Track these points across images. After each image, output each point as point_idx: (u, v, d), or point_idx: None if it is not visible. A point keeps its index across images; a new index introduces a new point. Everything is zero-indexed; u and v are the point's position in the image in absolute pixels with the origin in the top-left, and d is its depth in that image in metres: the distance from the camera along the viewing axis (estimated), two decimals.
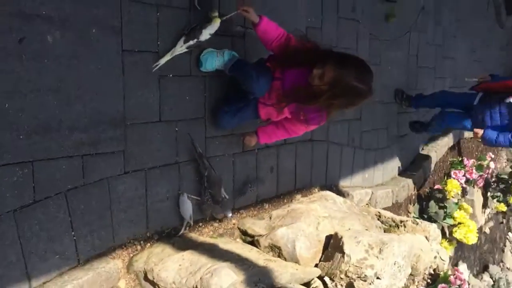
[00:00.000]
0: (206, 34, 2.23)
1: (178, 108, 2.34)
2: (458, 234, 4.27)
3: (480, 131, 3.56)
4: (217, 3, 2.40)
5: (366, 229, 2.91)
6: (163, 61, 2.20)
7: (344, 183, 3.70)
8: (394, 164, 4.42)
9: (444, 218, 4.30)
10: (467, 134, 5.68)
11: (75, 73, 1.90)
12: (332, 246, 2.64)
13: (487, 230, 6.51)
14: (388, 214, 3.52)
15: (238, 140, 2.68)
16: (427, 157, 4.76)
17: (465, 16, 5.54)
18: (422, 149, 4.97)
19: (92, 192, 2.02)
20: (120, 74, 2.07)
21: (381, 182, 4.19)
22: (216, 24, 2.24)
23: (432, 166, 4.81)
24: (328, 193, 3.22)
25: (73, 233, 1.96)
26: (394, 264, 2.56)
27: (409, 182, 4.32)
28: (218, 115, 2.46)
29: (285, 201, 3.11)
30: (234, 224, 2.73)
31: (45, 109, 1.82)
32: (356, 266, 2.49)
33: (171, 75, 2.28)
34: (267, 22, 2.26)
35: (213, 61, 2.37)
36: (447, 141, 5.16)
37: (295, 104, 2.26)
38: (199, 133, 2.46)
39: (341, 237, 2.57)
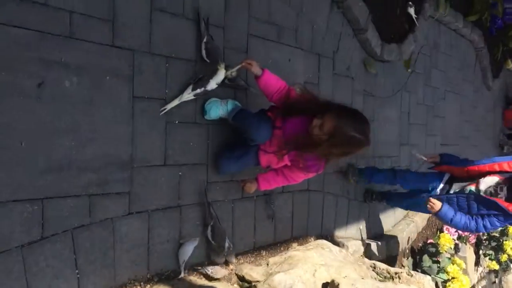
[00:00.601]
0: (212, 84, 2.37)
1: (182, 153, 2.44)
2: None
3: (437, 204, 3.16)
4: (222, 56, 2.56)
5: (362, 278, 2.94)
6: (170, 106, 2.33)
7: (339, 233, 3.75)
8: (388, 217, 4.49)
9: (438, 273, 4.31)
10: None
11: (88, 117, 2.01)
12: None
13: None
14: (383, 265, 3.54)
15: (238, 186, 2.76)
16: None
17: (453, 79, 5.80)
18: None
19: (97, 231, 2.07)
20: (129, 119, 2.18)
21: (376, 234, 4.24)
22: (221, 75, 2.39)
23: (425, 221, 4.88)
24: (324, 242, 3.26)
25: (77, 271, 1.99)
26: None
27: (403, 236, 4.37)
28: (220, 161, 2.56)
29: (282, 248, 3.15)
30: (231, 269, 2.76)
31: (58, 149, 1.91)
32: None
33: (177, 122, 2.40)
34: (269, 75, 2.41)
35: (217, 110, 2.50)
36: None
37: (295, 152, 2.37)
38: (201, 177, 2.54)
39: (338, 284, 2.60)
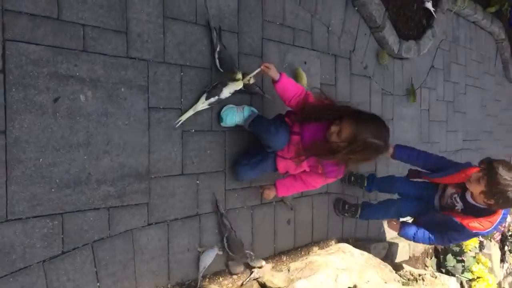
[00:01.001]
0: (226, 93, 2.35)
1: (200, 162, 2.43)
2: None
3: (396, 225, 3.08)
4: (237, 64, 2.54)
5: (385, 282, 2.90)
6: (185, 117, 2.32)
7: (360, 236, 3.70)
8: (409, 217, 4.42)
9: (463, 272, 4.23)
10: None
11: (104, 130, 2.01)
12: None
13: (507, 286, 6.34)
14: (406, 267, 3.50)
15: (256, 192, 2.74)
16: None
17: (474, 72, 5.68)
18: None
19: (117, 243, 2.08)
20: (145, 130, 2.18)
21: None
22: (238, 85, 2.38)
23: None
24: (345, 245, 3.22)
25: (98, 284, 2.00)
26: None
27: None
28: (238, 168, 2.54)
29: (302, 253, 3.12)
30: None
31: (76, 163, 1.92)
32: None
33: (193, 130, 2.39)
34: (287, 80, 2.38)
35: (233, 117, 2.48)
36: None
37: (313, 158, 2.33)
38: (219, 185, 2.53)
39: None
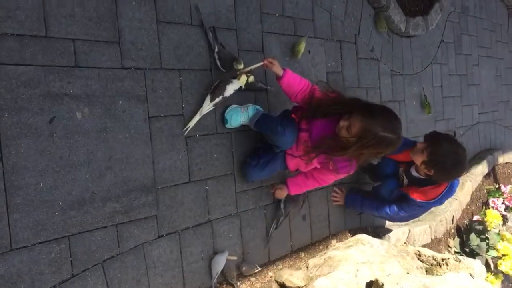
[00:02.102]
0: (230, 90, 2.28)
1: (207, 167, 2.36)
2: (504, 267, 4.08)
3: (340, 195, 3.20)
4: (238, 58, 2.44)
5: (407, 272, 2.82)
6: (193, 123, 2.25)
7: (379, 223, 3.62)
8: None
9: (487, 251, 4.13)
10: (502, 160, 5.53)
11: (105, 145, 1.95)
12: None
13: None
14: (428, 252, 3.40)
15: (268, 191, 2.68)
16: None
17: (486, 42, 5.49)
18: None
19: (128, 259, 2.03)
20: (147, 140, 2.11)
21: (418, 218, 4.08)
22: (242, 81, 2.30)
23: (469, 197, 4.67)
24: (364, 236, 3.14)
25: None
26: None
27: (447, 215, 4.19)
28: (247, 169, 2.47)
29: (320, 247, 3.06)
30: (271, 277, 2.69)
31: (78, 183, 1.86)
32: None
33: (197, 135, 2.32)
34: (291, 75, 2.29)
35: (238, 118, 2.40)
36: (481, 169, 5.01)
37: (323, 155, 2.25)
38: (229, 189, 2.47)
39: (382, 284, 2.49)
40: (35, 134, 1.75)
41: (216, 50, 2.30)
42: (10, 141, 1.68)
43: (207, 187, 2.36)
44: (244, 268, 2.51)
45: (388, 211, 3.07)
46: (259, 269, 2.57)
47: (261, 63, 2.31)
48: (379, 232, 3.48)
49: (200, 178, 2.33)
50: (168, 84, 2.20)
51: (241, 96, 2.48)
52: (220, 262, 2.37)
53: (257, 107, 2.49)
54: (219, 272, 2.36)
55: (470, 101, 5.07)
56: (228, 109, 2.42)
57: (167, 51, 2.19)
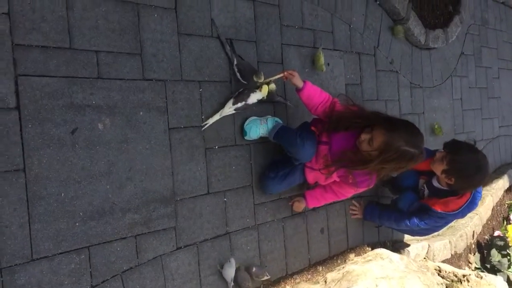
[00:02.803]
0: (253, 99, 2.29)
1: (225, 179, 2.36)
2: None
3: (359, 208, 3.15)
4: (258, 71, 2.44)
5: None
6: (211, 120, 2.27)
7: (398, 238, 3.57)
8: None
9: (509, 267, 4.04)
10: None
11: (125, 156, 1.96)
12: None
13: None
14: (448, 268, 3.34)
15: (286, 203, 2.66)
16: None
17: (506, 55, 5.42)
18: None
19: (147, 271, 2.02)
20: (167, 151, 2.11)
21: (438, 232, 4.02)
22: (264, 92, 2.30)
23: (489, 212, 4.59)
24: (383, 250, 3.09)
25: None
26: None
27: (467, 230, 4.12)
28: (265, 182, 2.45)
29: (338, 261, 3.02)
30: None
31: (98, 194, 1.87)
32: None
33: (216, 147, 2.31)
34: (311, 87, 2.28)
35: (257, 130, 2.39)
36: (502, 183, 4.93)
37: (343, 168, 2.23)
38: (247, 201, 2.46)
39: None
40: (57, 145, 1.76)
41: (235, 62, 2.30)
42: (33, 152, 1.70)
43: (225, 199, 2.35)
44: (254, 269, 2.44)
45: (408, 223, 2.99)
46: (269, 276, 2.52)
47: (281, 75, 2.31)
48: (398, 247, 3.43)
49: (219, 190, 2.33)
50: (188, 96, 2.20)
51: (260, 108, 2.48)
52: (231, 269, 2.32)
53: (276, 119, 2.48)
54: (232, 278, 2.32)
55: (491, 114, 5.01)
56: (247, 121, 2.42)
57: (187, 63, 2.20)
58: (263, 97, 2.34)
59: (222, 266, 2.33)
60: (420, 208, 2.98)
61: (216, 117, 2.28)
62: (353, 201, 3.12)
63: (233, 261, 2.35)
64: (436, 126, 3.89)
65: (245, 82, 2.32)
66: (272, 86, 2.41)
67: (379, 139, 2.03)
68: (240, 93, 2.30)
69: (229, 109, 2.29)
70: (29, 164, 1.69)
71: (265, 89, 2.31)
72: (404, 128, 2.06)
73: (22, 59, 1.68)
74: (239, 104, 2.28)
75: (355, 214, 3.14)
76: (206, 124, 2.25)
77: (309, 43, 2.83)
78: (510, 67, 5.51)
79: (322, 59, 2.80)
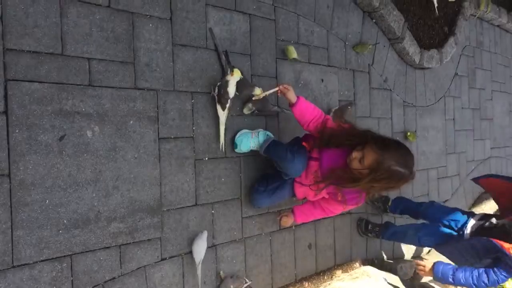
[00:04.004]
0: (231, 90, 2.24)
1: (214, 190, 2.34)
2: None
3: (427, 266, 2.70)
4: (253, 84, 2.45)
5: None
6: (222, 138, 2.32)
7: (386, 254, 3.56)
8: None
9: None
10: None
11: (113, 165, 1.95)
12: None
13: None
14: (437, 286, 3.34)
15: (274, 218, 2.65)
16: None
17: (500, 77, 5.47)
18: None
19: (130, 281, 2.00)
20: (156, 161, 2.10)
21: (429, 249, 4.02)
22: (237, 74, 2.25)
23: None
24: (370, 268, 3.09)
25: None
26: None
27: None
28: (254, 195, 2.44)
29: (325, 277, 3.00)
30: None
31: (84, 202, 1.85)
32: None
33: (206, 158, 2.31)
34: (304, 102, 2.28)
35: (248, 143, 2.39)
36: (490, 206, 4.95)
37: (333, 185, 2.22)
38: (235, 213, 2.44)
39: None
40: (44, 151, 1.74)
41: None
42: (19, 157, 1.68)
43: (213, 211, 2.34)
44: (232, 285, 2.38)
45: (487, 281, 2.49)
46: (249, 282, 2.47)
47: (276, 89, 2.31)
48: (386, 265, 3.43)
49: (207, 201, 2.31)
50: (180, 106, 2.20)
51: (252, 121, 2.48)
52: (202, 246, 2.21)
53: (268, 133, 2.48)
54: (202, 258, 2.21)
55: (483, 136, 5.03)
56: (239, 134, 2.42)
57: (180, 73, 2.20)
58: (240, 78, 2.26)
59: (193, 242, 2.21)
60: (495, 255, 2.52)
61: (222, 130, 2.31)
62: (419, 261, 2.81)
63: (205, 235, 2.23)
64: (408, 133, 3.80)
65: (238, 94, 2.31)
66: (238, 72, 2.29)
67: (370, 157, 2.03)
68: (219, 96, 2.26)
69: (224, 114, 2.28)
70: (14, 169, 1.67)
71: (236, 72, 2.24)
72: (395, 148, 2.07)
73: (12, 64, 1.67)
74: (227, 104, 2.25)
75: (422, 273, 2.79)
76: (222, 144, 2.32)
77: (304, 59, 2.84)
78: (503, 89, 5.55)
79: (294, 53, 2.70)
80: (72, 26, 1.82)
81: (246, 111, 2.44)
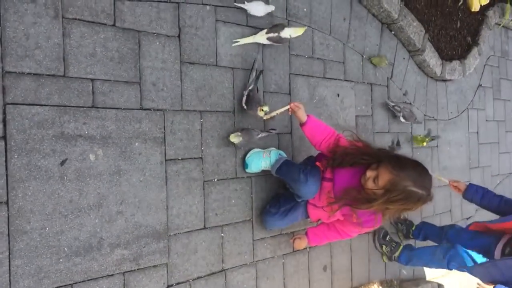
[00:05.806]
0: (287, 33, 2.36)
1: (224, 213, 2.26)
2: None
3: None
4: (262, 100, 2.37)
5: None
6: (244, 41, 2.30)
7: (406, 276, 3.41)
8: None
9: None
10: None
11: (117, 189, 1.88)
12: None
13: None
14: None
15: (287, 239, 2.55)
16: None
17: None
18: None
19: None
20: (163, 184, 2.03)
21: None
22: (301, 30, 2.41)
23: None
24: None
25: None
26: None
27: None
28: (266, 217, 2.34)
29: None
30: None
31: (86, 228, 1.78)
32: None
33: (215, 179, 2.22)
34: (315, 122, 2.19)
35: (259, 163, 2.30)
36: None
37: (347, 207, 2.11)
38: (246, 236, 2.35)
39: None
40: (44, 177, 1.68)
41: (250, 87, 2.22)
42: (18, 184, 1.62)
43: (222, 234, 2.25)
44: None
45: None
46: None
47: (287, 107, 2.21)
48: (406, 287, 3.28)
49: (216, 224, 2.23)
50: (188, 126, 2.12)
51: (264, 140, 2.39)
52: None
53: (280, 152, 2.39)
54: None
55: (508, 149, 4.84)
56: (250, 153, 2.33)
57: (189, 92, 2.12)
58: (297, 36, 2.42)
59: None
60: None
61: (250, 39, 2.30)
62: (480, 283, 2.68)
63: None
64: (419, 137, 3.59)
65: (246, 108, 2.23)
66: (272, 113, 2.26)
67: (385, 177, 1.92)
68: (274, 26, 2.35)
69: (262, 36, 2.32)
70: (12, 196, 1.61)
71: (301, 29, 2.41)
72: (412, 167, 1.95)
73: (11, 87, 1.61)
74: (272, 35, 2.32)
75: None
76: (237, 42, 2.28)
77: (319, 73, 2.74)
78: None
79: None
80: (75, 46, 1.76)
81: (234, 139, 2.21)
